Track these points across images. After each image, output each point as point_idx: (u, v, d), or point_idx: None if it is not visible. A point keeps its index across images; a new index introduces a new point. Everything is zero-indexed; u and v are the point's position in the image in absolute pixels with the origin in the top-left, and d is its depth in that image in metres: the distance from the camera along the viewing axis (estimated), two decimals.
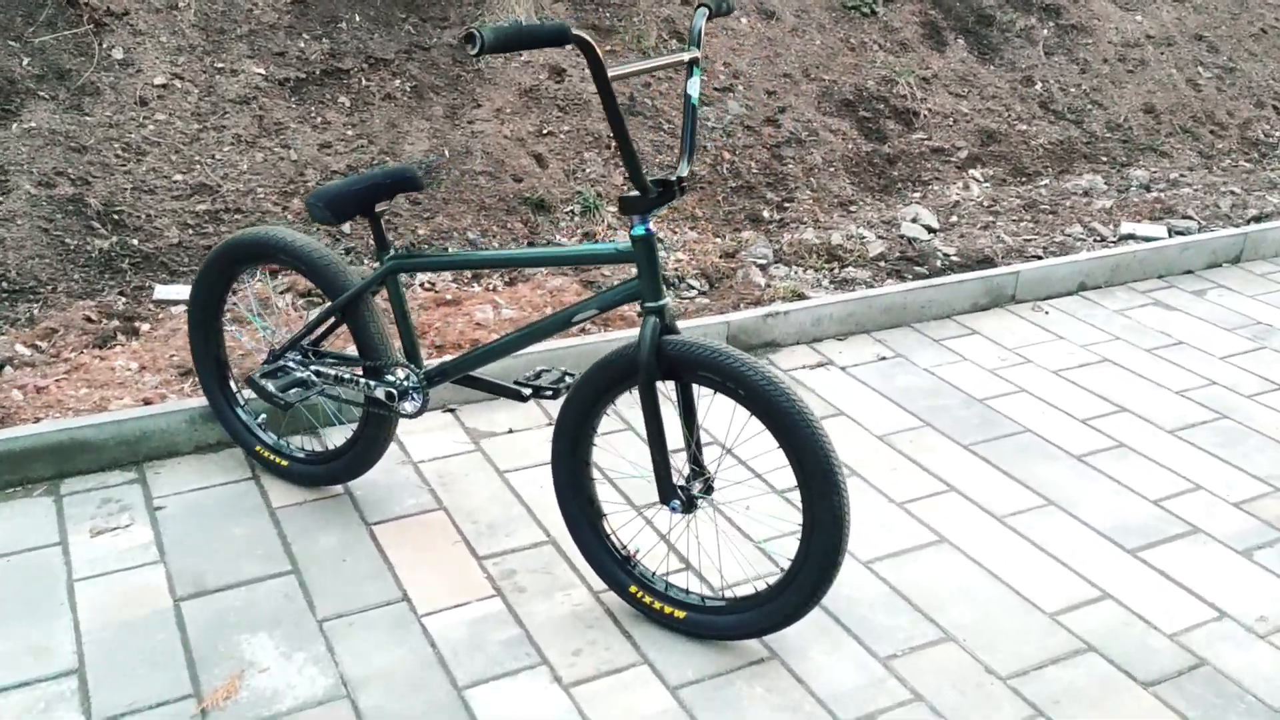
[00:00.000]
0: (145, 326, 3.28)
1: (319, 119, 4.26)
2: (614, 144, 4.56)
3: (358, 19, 4.64)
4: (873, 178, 4.97)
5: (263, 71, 4.30)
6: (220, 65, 4.26)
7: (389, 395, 2.32)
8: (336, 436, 2.82)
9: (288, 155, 4.05)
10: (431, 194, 4.15)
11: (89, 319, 3.25)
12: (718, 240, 4.31)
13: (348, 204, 2.21)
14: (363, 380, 2.35)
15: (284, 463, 2.61)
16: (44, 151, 3.72)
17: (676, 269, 3.92)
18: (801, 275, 3.96)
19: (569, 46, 1.77)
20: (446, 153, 4.25)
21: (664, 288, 2.02)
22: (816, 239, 4.24)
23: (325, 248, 2.41)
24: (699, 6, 2.10)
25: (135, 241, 3.62)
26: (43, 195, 3.59)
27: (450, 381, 2.37)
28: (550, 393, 2.27)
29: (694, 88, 2.02)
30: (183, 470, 2.69)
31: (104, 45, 4.15)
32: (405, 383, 2.33)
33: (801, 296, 3.72)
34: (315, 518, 2.54)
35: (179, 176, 3.85)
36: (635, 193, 1.93)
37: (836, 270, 4.02)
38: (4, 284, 3.39)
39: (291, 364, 2.45)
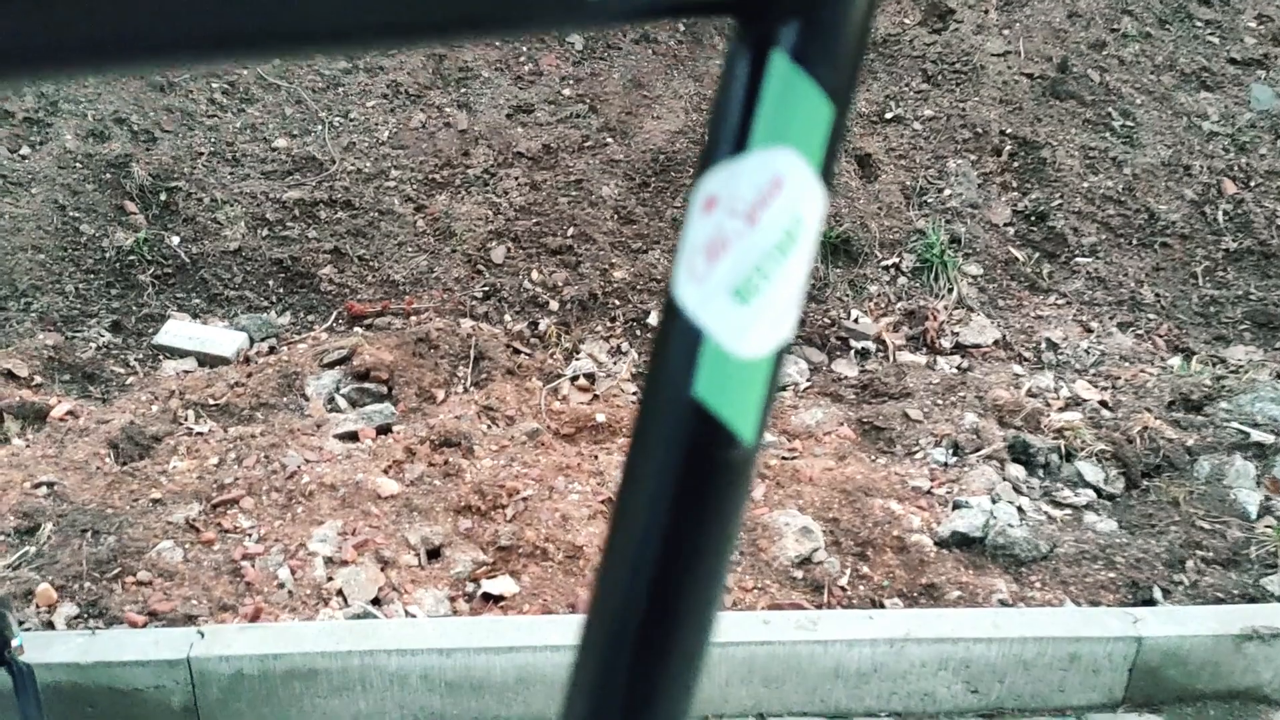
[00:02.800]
0: (79, 403, 1.98)
1: (528, 65, 2.73)
2: (1007, 148, 2.57)
3: None
4: None
5: None
6: None
7: None
8: None
9: (456, 122, 2.57)
10: (648, 224, 2.47)
11: (11, 375, 2.01)
12: (1174, 359, 2.21)
13: None
14: None
15: None
16: (115, 86, 2.54)
17: (1066, 429, 1.92)
18: None
19: None
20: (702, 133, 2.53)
21: None
22: None
23: None
24: None
25: (176, 239, 2.34)
26: (81, 152, 2.41)
27: None
28: None
29: None
30: None
31: None
32: None
33: None
34: None
35: (282, 142, 2.51)
36: None
37: None
38: None
39: None
